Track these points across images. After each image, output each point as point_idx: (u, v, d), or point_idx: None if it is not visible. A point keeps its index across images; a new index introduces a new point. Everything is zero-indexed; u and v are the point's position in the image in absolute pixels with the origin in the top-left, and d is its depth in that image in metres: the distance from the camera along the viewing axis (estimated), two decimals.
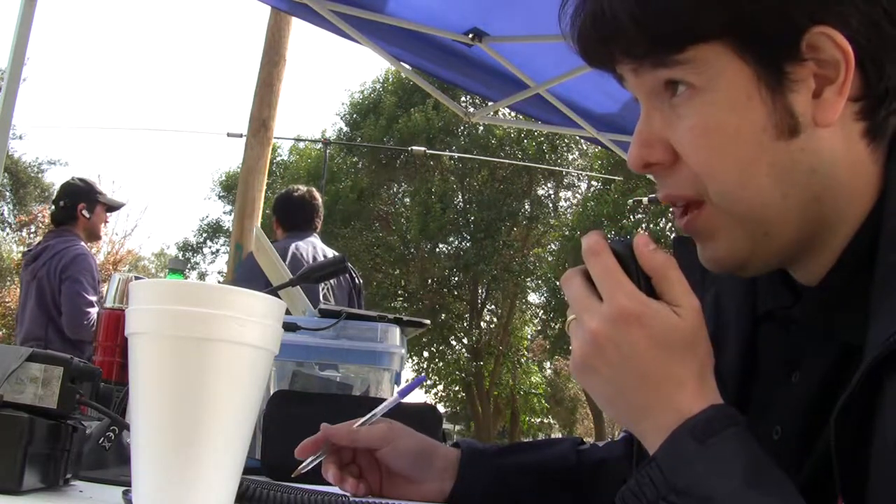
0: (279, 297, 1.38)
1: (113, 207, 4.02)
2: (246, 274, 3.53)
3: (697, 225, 0.72)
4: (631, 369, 0.66)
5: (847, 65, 0.65)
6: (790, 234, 0.70)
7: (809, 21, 0.65)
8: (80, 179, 3.93)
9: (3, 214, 21.66)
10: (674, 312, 0.66)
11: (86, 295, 3.57)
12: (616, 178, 15.94)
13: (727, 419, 0.63)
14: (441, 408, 18.59)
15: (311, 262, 3.53)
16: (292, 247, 3.57)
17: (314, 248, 3.67)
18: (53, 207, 3.90)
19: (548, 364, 22.54)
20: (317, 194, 3.95)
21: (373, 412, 1.04)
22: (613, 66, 0.74)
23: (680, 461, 0.62)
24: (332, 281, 3.44)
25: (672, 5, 0.67)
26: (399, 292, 19.78)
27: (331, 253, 3.74)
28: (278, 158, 21.89)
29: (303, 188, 3.97)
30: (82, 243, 3.80)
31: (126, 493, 0.71)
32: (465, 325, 19.87)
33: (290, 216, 3.84)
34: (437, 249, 19.66)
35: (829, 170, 0.68)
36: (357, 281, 3.73)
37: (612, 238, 0.70)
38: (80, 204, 3.82)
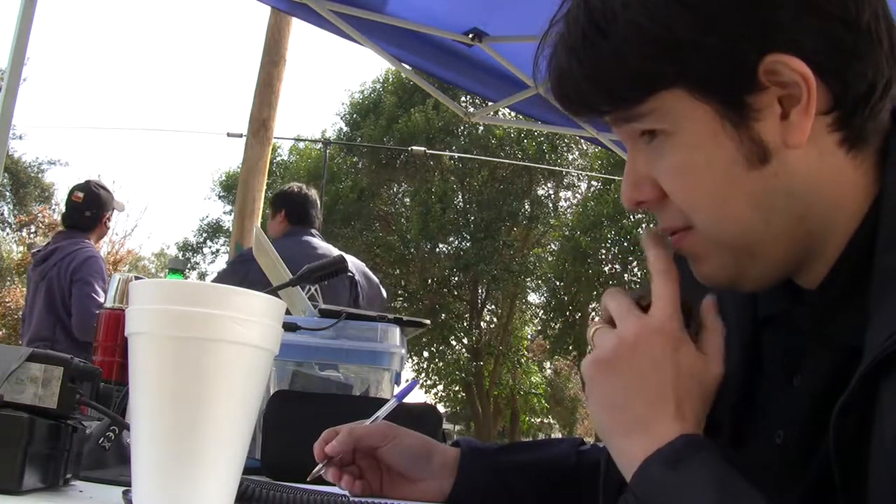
0: (279, 297, 1.38)
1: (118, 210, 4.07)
2: (228, 277, 3.52)
3: (684, 248, 0.75)
4: (652, 381, 0.69)
5: (807, 87, 0.66)
6: (778, 254, 0.71)
7: (759, 54, 0.66)
8: (102, 186, 3.91)
9: (3, 214, 21.68)
10: (702, 359, 0.72)
11: (97, 297, 3.55)
12: (616, 178, 15.92)
13: (694, 446, 0.66)
14: (441, 408, 18.59)
15: (308, 259, 3.53)
16: (289, 245, 3.59)
17: (311, 246, 3.69)
18: (68, 211, 3.82)
19: (548, 364, 22.54)
20: (314, 191, 3.98)
21: (375, 415, 1.04)
22: (590, 117, 0.76)
23: (651, 488, 0.65)
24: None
25: (621, 62, 0.69)
26: (399, 292, 19.77)
27: (333, 250, 3.73)
28: (278, 158, 21.87)
29: (301, 185, 3.98)
30: (93, 246, 3.81)
31: (126, 493, 0.71)
32: (465, 325, 19.85)
33: (295, 212, 3.84)
34: (437, 249, 19.65)
35: (808, 187, 0.69)
36: (356, 278, 3.73)
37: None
38: (105, 214, 3.84)
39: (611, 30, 0.69)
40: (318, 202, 3.91)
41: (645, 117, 0.71)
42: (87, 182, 3.89)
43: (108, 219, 3.90)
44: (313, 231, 3.78)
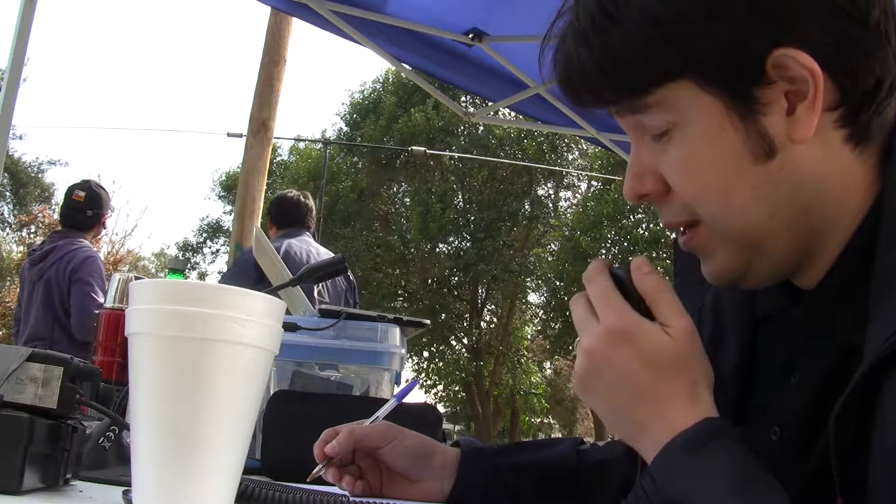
0: (279, 297, 1.38)
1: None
2: (233, 278, 3.55)
3: (695, 244, 0.75)
4: (625, 387, 0.69)
5: (815, 82, 0.66)
6: (782, 248, 0.71)
7: (769, 46, 0.66)
8: (101, 187, 3.95)
9: (3, 214, 21.68)
10: (665, 332, 0.68)
11: (96, 297, 3.56)
12: (616, 177, 15.92)
13: (716, 431, 0.65)
14: (441, 408, 18.58)
15: (304, 260, 3.56)
16: (285, 244, 3.61)
17: (308, 245, 3.72)
18: (68, 210, 3.83)
19: (548, 364, 22.54)
20: (309, 196, 4.05)
21: (375, 415, 1.04)
22: (595, 108, 0.76)
23: (670, 473, 0.64)
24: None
25: (631, 52, 0.69)
26: (399, 292, 19.76)
27: (325, 252, 3.77)
28: (278, 158, 21.86)
29: (296, 191, 4.08)
30: (90, 245, 3.82)
31: (126, 493, 0.71)
32: (465, 325, 19.85)
33: (285, 215, 3.90)
34: (437, 249, 19.64)
35: (813, 182, 0.69)
36: (351, 279, 3.77)
37: (616, 265, 0.73)
38: (105, 214, 3.89)
39: (622, 15, 0.68)
40: (307, 200, 3.99)
41: (652, 108, 0.70)
42: (88, 182, 3.92)
43: (106, 219, 3.95)
44: (304, 233, 3.84)
